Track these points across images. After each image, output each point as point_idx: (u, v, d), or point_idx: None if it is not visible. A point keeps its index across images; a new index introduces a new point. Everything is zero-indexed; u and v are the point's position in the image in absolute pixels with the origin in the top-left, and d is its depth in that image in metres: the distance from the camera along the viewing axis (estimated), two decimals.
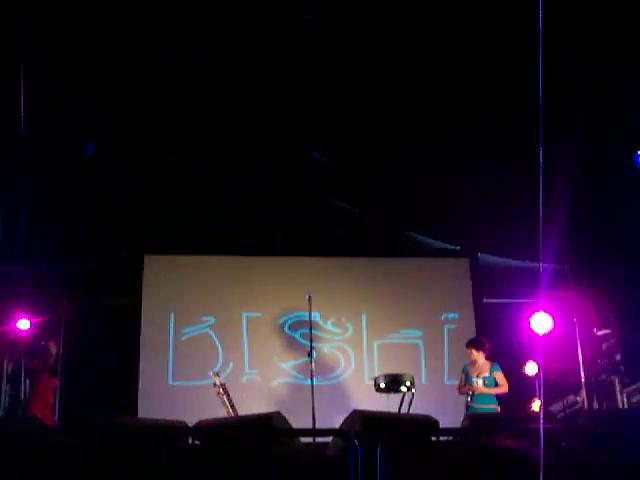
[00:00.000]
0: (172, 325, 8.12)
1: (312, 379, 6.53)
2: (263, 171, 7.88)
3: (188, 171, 7.77)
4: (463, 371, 7.07)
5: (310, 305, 6.77)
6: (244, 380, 7.97)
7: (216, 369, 7.25)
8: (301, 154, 7.86)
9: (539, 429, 4.50)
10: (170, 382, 7.93)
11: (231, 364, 7.94)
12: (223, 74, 6.54)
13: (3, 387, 7.58)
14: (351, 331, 8.32)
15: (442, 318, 8.43)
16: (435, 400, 7.74)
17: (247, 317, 8.29)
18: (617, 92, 6.10)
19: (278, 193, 8.14)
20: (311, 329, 6.71)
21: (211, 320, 8.24)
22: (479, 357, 7.02)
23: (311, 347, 6.68)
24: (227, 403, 6.75)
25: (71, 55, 5.85)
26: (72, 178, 7.15)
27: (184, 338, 8.16)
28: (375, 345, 8.36)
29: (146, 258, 8.28)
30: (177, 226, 8.05)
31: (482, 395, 6.89)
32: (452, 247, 8.71)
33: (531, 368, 7.45)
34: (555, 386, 7.64)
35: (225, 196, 8.07)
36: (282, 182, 8.11)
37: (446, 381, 8.21)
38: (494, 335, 7.86)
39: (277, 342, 8.05)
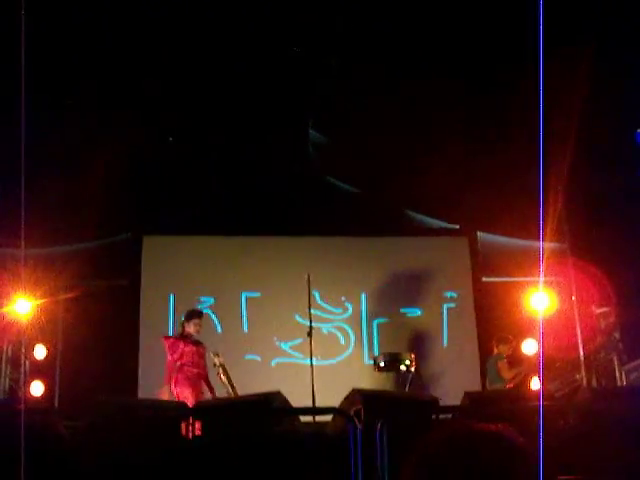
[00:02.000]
0: (172, 306, 8.12)
1: (312, 359, 6.52)
2: (263, 152, 7.86)
3: (187, 151, 7.76)
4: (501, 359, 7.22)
5: (309, 285, 6.73)
6: (244, 360, 7.96)
7: (216, 349, 7.14)
8: (301, 134, 7.90)
9: (538, 407, 4.59)
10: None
11: (231, 344, 7.89)
12: (224, 47, 6.57)
13: (3, 369, 7.56)
14: (351, 311, 8.31)
15: (442, 297, 8.43)
16: (435, 379, 7.82)
17: (247, 297, 8.28)
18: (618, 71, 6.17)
19: (278, 174, 8.14)
20: (310, 309, 6.67)
21: (211, 300, 8.23)
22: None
23: (310, 327, 6.63)
24: (227, 383, 6.73)
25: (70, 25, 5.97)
26: (69, 157, 7.16)
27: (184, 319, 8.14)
28: (375, 324, 8.36)
29: (145, 239, 8.27)
30: (176, 207, 8.06)
31: None
32: (451, 226, 8.72)
33: (529, 347, 7.48)
34: (553, 364, 7.64)
35: (225, 176, 8.07)
36: (282, 162, 8.10)
37: (445, 360, 8.23)
38: (493, 314, 7.92)
39: (276, 322, 8.02)
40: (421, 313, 8.39)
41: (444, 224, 8.67)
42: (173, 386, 6.27)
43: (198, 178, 7.98)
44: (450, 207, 8.23)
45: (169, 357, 6.32)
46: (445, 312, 8.41)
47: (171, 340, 6.57)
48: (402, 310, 8.39)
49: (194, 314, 6.60)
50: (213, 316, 8.17)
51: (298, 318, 7.82)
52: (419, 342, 8.13)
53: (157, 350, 7.64)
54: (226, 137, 7.69)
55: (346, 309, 8.31)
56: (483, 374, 7.71)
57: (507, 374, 7.11)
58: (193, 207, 8.11)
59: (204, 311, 7.57)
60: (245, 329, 8.15)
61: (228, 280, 8.27)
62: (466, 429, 1.39)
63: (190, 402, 5.93)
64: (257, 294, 8.25)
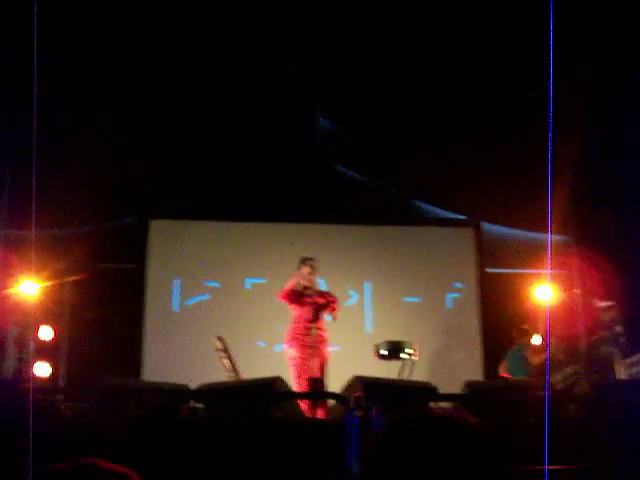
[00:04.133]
0: (177, 290, 8.18)
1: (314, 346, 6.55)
2: (270, 137, 7.86)
3: (195, 136, 7.74)
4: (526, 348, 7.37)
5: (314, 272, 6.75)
6: (248, 345, 7.98)
7: (220, 334, 7.14)
8: (308, 120, 7.88)
9: (541, 397, 4.62)
10: (174, 346, 8.00)
11: (235, 329, 7.91)
12: (229, 33, 6.59)
13: (10, 349, 7.61)
14: (355, 299, 8.34)
15: (446, 287, 8.45)
16: (437, 368, 7.81)
17: (252, 283, 8.31)
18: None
19: (285, 160, 8.12)
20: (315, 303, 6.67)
21: (216, 286, 8.29)
22: None
23: (315, 314, 6.61)
24: (230, 367, 6.74)
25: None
26: (77, 139, 7.18)
27: (189, 303, 8.21)
28: (378, 313, 8.39)
29: (152, 223, 8.31)
30: (183, 192, 8.10)
31: None
32: (457, 216, 8.71)
33: (535, 338, 7.52)
34: (555, 356, 7.68)
35: (231, 162, 8.06)
36: (289, 149, 8.10)
37: (447, 350, 8.26)
38: (497, 305, 7.92)
39: (281, 308, 7.67)
40: (425, 302, 8.42)
41: (450, 214, 8.66)
42: None
43: (205, 163, 8.00)
44: (456, 197, 8.23)
45: None
46: (449, 302, 8.45)
47: None
48: (406, 299, 8.43)
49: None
50: (218, 301, 8.25)
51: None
52: (422, 331, 8.14)
53: (162, 333, 7.91)
54: (234, 121, 7.68)
55: (350, 297, 8.34)
56: (487, 364, 7.79)
57: (536, 359, 7.22)
58: (200, 192, 8.12)
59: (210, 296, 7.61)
60: (249, 315, 8.19)
61: (234, 266, 8.30)
62: (423, 413, 1.53)
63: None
64: (262, 280, 8.26)
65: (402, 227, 8.58)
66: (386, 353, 6.83)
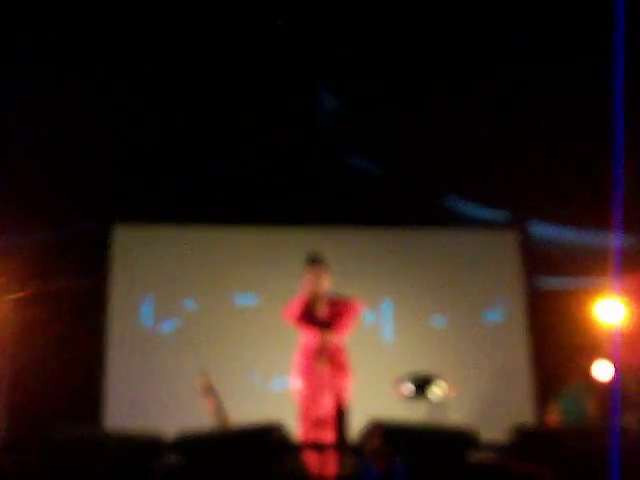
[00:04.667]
0: (148, 311, 8.14)
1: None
2: (262, 121, 7.83)
3: (169, 119, 7.73)
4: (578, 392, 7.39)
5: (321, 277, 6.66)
6: (238, 381, 7.95)
7: (201, 367, 7.08)
8: (309, 98, 7.87)
9: (611, 445, 4.49)
10: (144, 384, 7.96)
11: (222, 360, 7.89)
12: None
13: None
14: (370, 320, 8.26)
15: (484, 306, 8.39)
16: (473, 408, 7.81)
17: (241, 302, 8.30)
18: None
19: (280, 149, 8.11)
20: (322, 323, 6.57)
21: (196, 307, 8.25)
22: None
23: (320, 341, 6.50)
24: (216, 410, 6.67)
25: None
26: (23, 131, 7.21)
27: (163, 328, 8.16)
28: (400, 338, 8.33)
29: (115, 228, 8.31)
30: (155, 189, 8.10)
31: None
32: (498, 217, 8.64)
33: (602, 370, 7.41)
34: (627, 392, 7.53)
35: (214, 151, 8.04)
36: (285, 135, 8.03)
37: (487, 385, 8.19)
38: (551, 329, 7.89)
39: (277, 333, 7.79)
40: (458, 325, 8.33)
41: (489, 214, 8.56)
42: None
43: (182, 153, 7.95)
44: (496, 191, 8.08)
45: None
46: (488, 325, 8.38)
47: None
48: (434, 321, 8.36)
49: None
50: (199, 326, 8.23)
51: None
52: (455, 361, 8.08)
53: (129, 366, 7.85)
54: (217, 101, 7.67)
55: (364, 318, 8.08)
56: (538, 403, 7.74)
57: (599, 398, 7.25)
58: (176, 190, 8.12)
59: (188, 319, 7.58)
60: (239, 341, 8.13)
61: (218, 281, 8.27)
62: (504, 470, 1.28)
63: None
64: (253, 297, 8.26)
65: (428, 230, 8.48)
66: (411, 390, 6.61)
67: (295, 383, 6.21)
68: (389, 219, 8.35)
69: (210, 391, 6.69)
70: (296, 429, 5.81)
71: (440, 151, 7.71)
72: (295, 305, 6.34)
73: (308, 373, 6.18)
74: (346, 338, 6.32)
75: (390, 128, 7.83)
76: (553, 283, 8.35)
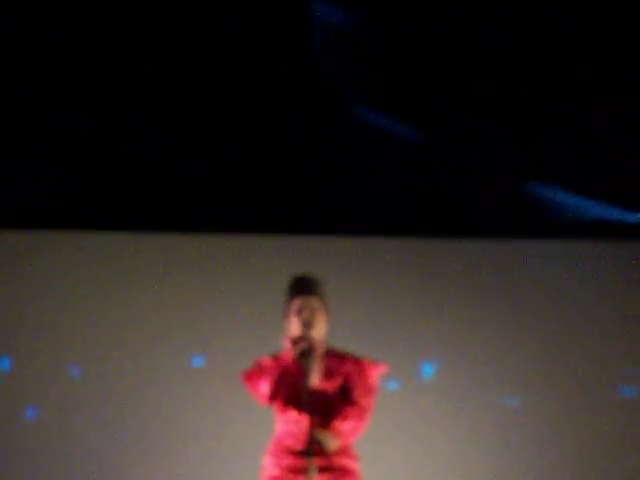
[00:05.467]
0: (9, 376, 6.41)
1: None
2: (229, 56, 6.58)
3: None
4: None
5: (308, 353, 4.47)
6: None
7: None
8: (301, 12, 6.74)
9: None
10: None
11: (137, 462, 6.11)
12: None
13: None
14: (397, 389, 6.45)
15: (612, 375, 6.48)
16: None
17: (177, 362, 6.43)
18: None
19: (255, 100, 6.57)
20: (310, 404, 4.26)
21: (79, 371, 6.33)
22: None
23: (310, 446, 4.10)
24: None
25: None
26: None
27: (30, 417, 6.33)
28: (449, 425, 6.36)
29: None
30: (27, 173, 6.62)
31: None
32: (624, 216, 6.72)
33: None
34: None
35: (139, 106, 6.61)
36: (265, 76, 6.56)
37: None
38: None
39: (242, 419, 6.10)
40: (558, 407, 6.30)
41: (613, 211, 6.69)
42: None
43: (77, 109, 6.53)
44: (621, 177, 6.49)
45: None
46: (619, 403, 6.40)
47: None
48: (507, 400, 6.45)
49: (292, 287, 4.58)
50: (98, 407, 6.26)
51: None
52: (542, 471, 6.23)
53: None
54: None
55: (385, 390, 6.29)
56: None
57: None
58: (65, 174, 6.54)
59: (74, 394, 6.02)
60: (177, 436, 6.22)
61: (137, 328, 6.39)
62: None
63: None
64: (201, 359, 6.42)
65: (501, 241, 6.59)
66: None
67: None
68: (430, 224, 6.64)
69: None
70: None
71: (522, 110, 6.52)
72: (265, 366, 4.41)
73: None
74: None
75: (426, 63, 6.59)
76: None
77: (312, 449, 3.96)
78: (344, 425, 4.11)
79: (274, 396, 4.18)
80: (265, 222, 6.64)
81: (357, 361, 4.26)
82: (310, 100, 6.59)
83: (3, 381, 6.32)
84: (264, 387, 4.18)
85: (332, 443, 4.02)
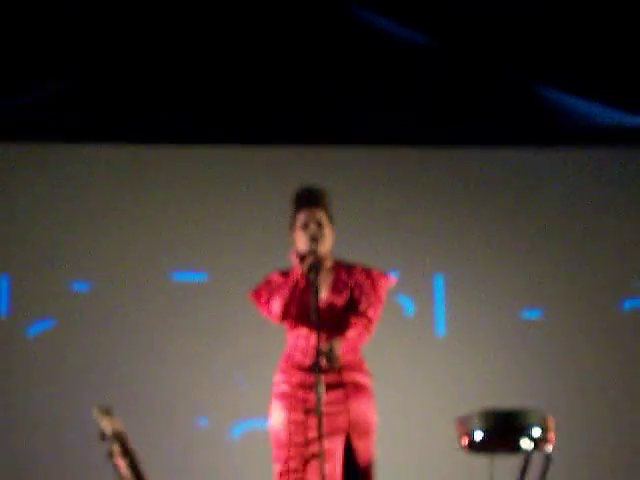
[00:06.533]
0: (6, 302, 6.26)
1: (321, 426, 4.06)
2: None
3: None
4: None
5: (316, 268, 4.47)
6: (169, 424, 6.12)
7: (105, 404, 4.59)
8: None
9: None
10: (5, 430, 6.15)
11: (139, 390, 6.08)
12: None
13: None
14: (410, 310, 6.43)
15: (618, 287, 6.39)
16: (589, 470, 5.98)
17: (176, 279, 6.40)
18: None
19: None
20: (319, 319, 4.25)
21: (88, 287, 6.27)
22: None
23: (317, 360, 4.13)
24: (129, 474, 4.40)
25: None
26: None
27: (33, 333, 6.26)
28: (458, 342, 6.35)
29: None
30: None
31: None
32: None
33: None
34: None
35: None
36: None
37: (622, 425, 6.19)
38: None
39: (243, 338, 6.10)
40: (573, 320, 6.31)
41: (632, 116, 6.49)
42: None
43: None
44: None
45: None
46: (625, 318, 6.31)
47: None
48: (523, 314, 6.40)
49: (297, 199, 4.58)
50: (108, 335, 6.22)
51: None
52: (559, 384, 6.20)
53: None
54: None
55: (400, 307, 6.36)
56: None
57: None
58: (53, 80, 6.30)
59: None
60: (172, 354, 6.17)
61: (137, 246, 6.38)
62: None
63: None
64: (200, 276, 6.44)
65: (518, 148, 6.42)
66: (485, 440, 4.76)
67: (270, 420, 4.40)
68: (434, 129, 6.43)
69: (119, 441, 4.12)
70: None
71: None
72: (275, 284, 4.40)
73: (291, 403, 4.29)
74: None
75: None
76: None
77: (320, 363, 3.96)
78: (349, 333, 4.12)
79: (285, 315, 4.18)
80: (268, 133, 6.50)
81: (366, 271, 4.25)
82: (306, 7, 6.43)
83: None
84: (275, 305, 4.17)
85: (338, 352, 4.02)
